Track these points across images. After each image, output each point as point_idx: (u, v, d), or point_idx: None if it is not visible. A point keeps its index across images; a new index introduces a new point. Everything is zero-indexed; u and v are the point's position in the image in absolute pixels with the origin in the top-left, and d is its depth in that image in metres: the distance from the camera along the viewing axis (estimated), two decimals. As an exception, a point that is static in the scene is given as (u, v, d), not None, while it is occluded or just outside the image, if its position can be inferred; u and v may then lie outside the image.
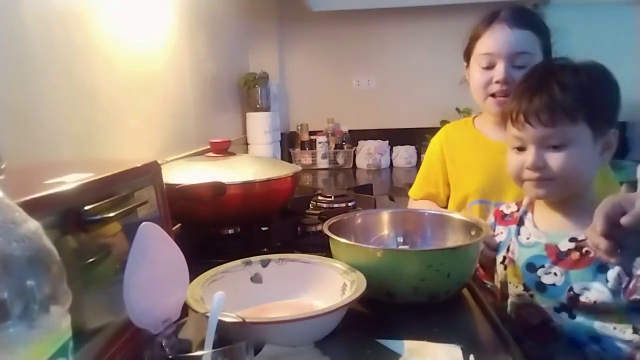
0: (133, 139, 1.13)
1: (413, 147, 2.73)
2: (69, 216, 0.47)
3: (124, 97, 1.09)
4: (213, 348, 0.47)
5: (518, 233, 0.88)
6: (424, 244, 0.91)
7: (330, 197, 1.29)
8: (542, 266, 0.81)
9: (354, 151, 2.74)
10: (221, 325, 0.49)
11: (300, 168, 1.17)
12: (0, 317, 0.26)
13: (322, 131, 2.75)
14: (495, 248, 0.91)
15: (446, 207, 1.25)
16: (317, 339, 0.63)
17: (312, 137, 2.73)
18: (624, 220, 0.62)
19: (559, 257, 0.80)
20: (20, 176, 0.52)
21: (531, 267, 0.83)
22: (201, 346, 0.49)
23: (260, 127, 2.24)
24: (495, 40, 1.09)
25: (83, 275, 0.48)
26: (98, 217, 0.50)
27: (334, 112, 2.80)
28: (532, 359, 0.77)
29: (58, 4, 0.85)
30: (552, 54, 1.13)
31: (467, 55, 1.18)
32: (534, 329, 0.82)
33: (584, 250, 0.78)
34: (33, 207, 0.32)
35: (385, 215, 0.95)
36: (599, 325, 0.77)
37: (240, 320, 0.52)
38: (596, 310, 0.76)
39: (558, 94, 0.78)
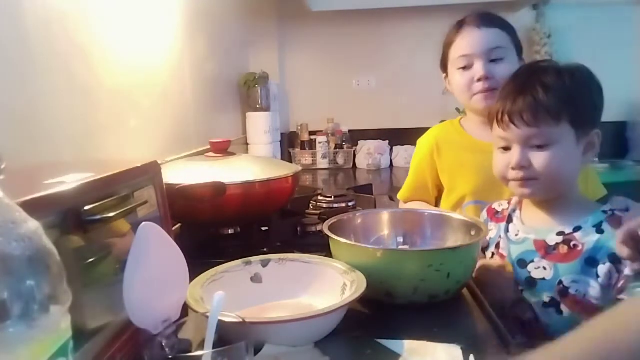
0: (133, 139, 1.13)
1: (413, 147, 2.71)
2: (69, 216, 0.47)
3: (124, 97, 1.09)
4: (213, 348, 0.47)
5: (507, 230, 0.90)
6: (424, 244, 0.91)
7: (330, 197, 1.29)
8: (532, 261, 0.84)
9: (354, 151, 2.74)
10: (221, 325, 0.49)
11: (300, 168, 1.17)
12: (0, 317, 0.26)
13: (322, 131, 2.75)
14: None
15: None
16: (317, 339, 0.63)
17: (312, 137, 2.73)
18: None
19: (548, 251, 0.82)
20: (20, 176, 0.52)
21: (522, 262, 0.85)
22: (201, 346, 0.49)
23: (260, 127, 2.24)
24: (468, 41, 1.14)
25: (83, 275, 0.48)
26: (98, 217, 0.50)
27: (334, 112, 2.80)
28: None
29: (58, 4, 0.85)
30: (523, 51, 1.19)
31: (444, 64, 1.22)
32: (525, 325, 0.83)
33: (572, 243, 0.81)
34: (33, 207, 0.32)
35: (385, 215, 0.95)
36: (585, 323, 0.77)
37: (240, 320, 0.52)
38: (584, 306, 0.78)
39: (541, 95, 0.80)
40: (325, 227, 0.83)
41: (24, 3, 0.76)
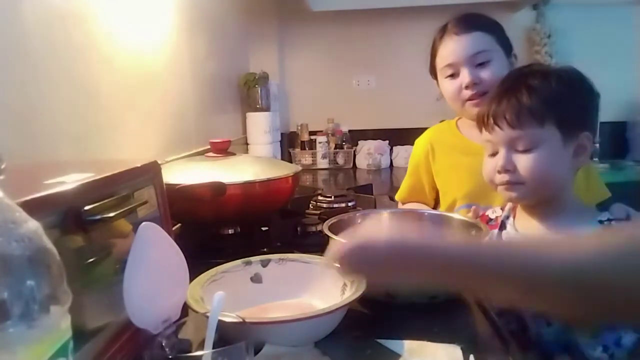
0: (133, 139, 1.13)
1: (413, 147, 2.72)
2: (69, 216, 0.47)
3: (124, 97, 1.09)
4: (213, 348, 0.47)
5: (500, 237, 0.88)
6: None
7: (330, 197, 1.29)
8: None
9: (354, 151, 2.74)
10: (221, 325, 0.49)
11: (300, 168, 1.17)
12: (0, 317, 0.26)
13: (322, 131, 2.75)
14: None
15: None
16: (317, 339, 0.63)
17: (312, 137, 2.73)
18: None
19: None
20: (20, 176, 0.52)
21: None
22: (201, 346, 0.49)
23: (260, 127, 2.24)
24: (450, 50, 1.13)
25: (83, 275, 0.48)
26: (98, 217, 0.50)
27: (334, 112, 2.80)
28: None
29: (58, 4, 0.85)
30: (512, 47, 1.16)
31: (434, 72, 1.21)
32: (512, 336, 0.81)
33: None
34: (33, 207, 0.32)
35: (385, 215, 0.95)
36: (573, 337, 0.76)
37: (240, 320, 0.52)
38: None
39: (525, 97, 0.80)
40: (325, 227, 0.83)
41: (24, 3, 0.76)
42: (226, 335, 0.49)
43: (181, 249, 0.56)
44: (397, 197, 1.36)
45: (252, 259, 0.77)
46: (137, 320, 0.49)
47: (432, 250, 0.56)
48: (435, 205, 1.27)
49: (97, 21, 0.98)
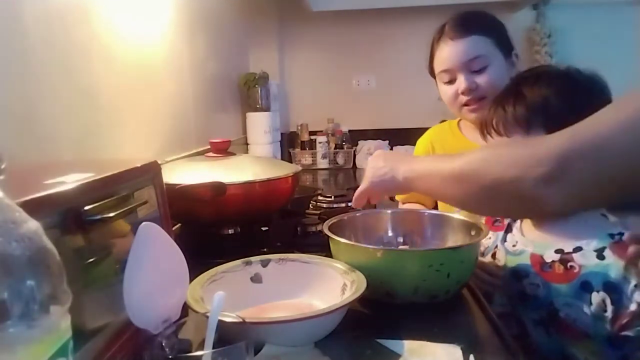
0: (133, 139, 1.13)
1: (413, 147, 2.71)
2: (69, 216, 0.47)
3: (124, 97, 1.09)
4: (213, 348, 0.47)
5: (505, 240, 0.87)
6: (424, 244, 0.91)
7: (330, 197, 1.30)
8: (527, 276, 0.79)
9: (354, 151, 2.74)
10: (221, 325, 0.49)
11: (300, 168, 1.17)
12: (0, 317, 0.26)
13: (322, 131, 2.75)
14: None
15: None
16: (317, 339, 0.63)
17: (312, 137, 2.73)
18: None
19: (543, 268, 0.78)
20: (20, 176, 0.52)
21: (517, 275, 0.81)
22: (201, 346, 0.49)
23: (260, 127, 2.24)
24: (445, 56, 1.12)
25: (83, 275, 0.48)
26: (98, 217, 0.50)
27: (334, 112, 2.80)
28: None
29: (58, 4, 0.85)
30: (512, 45, 1.16)
31: (433, 73, 1.20)
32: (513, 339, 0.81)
33: (568, 264, 0.75)
34: (33, 207, 0.32)
35: (385, 215, 0.95)
36: (571, 351, 0.75)
37: (240, 320, 0.52)
38: (573, 332, 0.74)
39: (511, 105, 0.84)
40: (325, 227, 0.83)
41: (24, 2, 0.76)
42: (226, 335, 0.49)
43: (181, 249, 0.56)
44: (397, 197, 1.36)
45: (252, 259, 0.77)
46: (137, 320, 0.49)
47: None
48: (436, 206, 1.27)
49: (97, 21, 0.98)
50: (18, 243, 0.28)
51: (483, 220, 0.96)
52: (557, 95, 0.81)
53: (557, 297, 0.75)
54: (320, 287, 0.74)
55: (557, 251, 0.77)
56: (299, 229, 1.11)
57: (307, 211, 1.27)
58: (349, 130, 2.77)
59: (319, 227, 1.07)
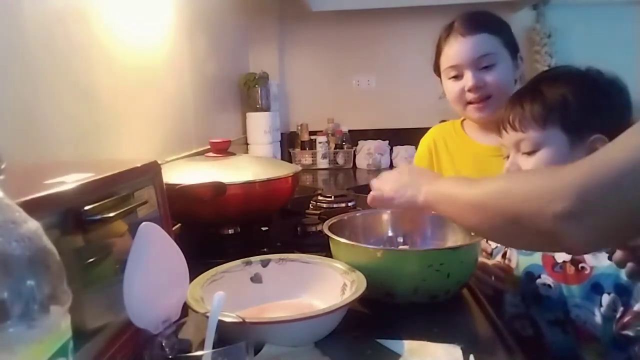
0: (133, 139, 1.13)
1: (413, 147, 2.72)
2: (69, 216, 0.47)
3: (124, 97, 1.09)
4: (213, 348, 0.47)
5: None
6: (424, 244, 0.91)
7: (330, 197, 1.29)
8: (539, 276, 0.80)
9: (354, 151, 2.74)
10: (221, 325, 0.49)
11: (300, 168, 1.17)
12: (0, 317, 0.26)
13: (322, 131, 2.75)
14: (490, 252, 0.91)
15: None
16: (317, 339, 0.63)
17: (312, 137, 2.73)
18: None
19: (554, 269, 0.79)
20: (20, 176, 0.52)
21: (530, 275, 0.82)
22: (201, 346, 0.49)
23: (260, 127, 2.24)
24: (455, 52, 1.11)
25: (83, 275, 0.48)
26: (98, 217, 0.50)
27: (334, 112, 2.80)
28: None
29: (58, 4, 0.85)
30: (518, 46, 1.16)
31: (437, 71, 1.20)
32: (524, 342, 0.80)
33: (580, 265, 0.76)
34: (33, 207, 0.32)
35: (385, 215, 0.95)
36: (580, 353, 0.75)
37: (240, 320, 0.52)
38: (583, 334, 0.75)
39: (529, 102, 0.83)
40: (325, 227, 0.83)
41: (24, 3, 0.76)
42: (226, 335, 0.49)
43: (181, 249, 0.56)
44: None
45: (252, 259, 0.77)
46: (137, 320, 0.49)
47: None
48: None
49: (97, 21, 0.97)
50: (18, 243, 0.28)
51: None
52: (575, 95, 0.81)
53: (569, 297, 0.76)
54: (320, 287, 0.74)
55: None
56: (299, 229, 1.11)
57: (307, 211, 1.27)
58: (349, 130, 2.77)
59: (319, 227, 1.07)
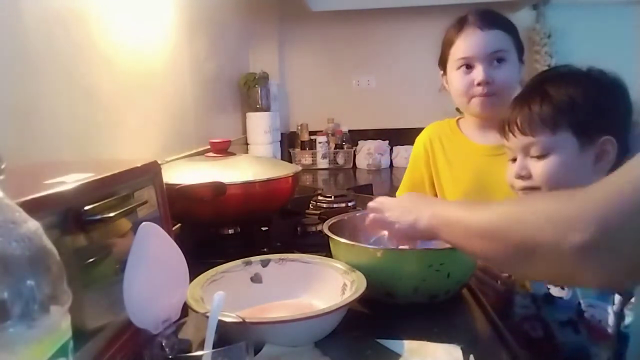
0: (133, 139, 1.13)
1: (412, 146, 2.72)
2: (69, 216, 0.47)
3: (124, 97, 1.09)
4: (213, 348, 0.47)
5: None
6: (424, 244, 0.91)
7: (330, 197, 1.29)
8: None
9: (354, 151, 2.74)
10: (221, 325, 0.49)
11: (300, 168, 1.17)
12: (0, 317, 0.26)
13: (322, 131, 2.75)
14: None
15: None
16: (317, 339, 0.63)
17: (312, 137, 2.73)
18: None
19: None
20: (20, 176, 0.52)
21: None
22: (201, 346, 0.49)
23: (260, 127, 2.24)
24: (470, 43, 1.11)
25: (83, 275, 0.48)
26: (98, 217, 0.50)
27: (334, 112, 2.80)
28: None
29: (58, 4, 0.85)
30: (524, 49, 1.16)
31: (443, 63, 1.19)
32: (534, 343, 0.80)
33: None
34: (33, 207, 0.32)
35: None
36: (595, 350, 0.75)
37: (240, 320, 0.52)
38: (598, 332, 0.75)
39: (538, 104, 0.81)
40: (325, 227, 0.83)
41: (24, 3, 0.76)
42: (226, 335, 0.49)
43: (181, 249, 0.56)
44: (397, 194, 1.36)
45: (252, 259, 0.77)
46: (137, 320, 0.49)
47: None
48: None
49: (97, 21, 0.98)
50: (18, 243, 0.28)
51: None
52: (583, 96, 0.80)
53: (583, 298, 0.76)
54: (320, 287, 0.74)
55: None
56: (299, 229, 1.11)
57: (307, 211, 1.27)
58: (349, 130, 2.77)
59: (319, 227, 1.07)
